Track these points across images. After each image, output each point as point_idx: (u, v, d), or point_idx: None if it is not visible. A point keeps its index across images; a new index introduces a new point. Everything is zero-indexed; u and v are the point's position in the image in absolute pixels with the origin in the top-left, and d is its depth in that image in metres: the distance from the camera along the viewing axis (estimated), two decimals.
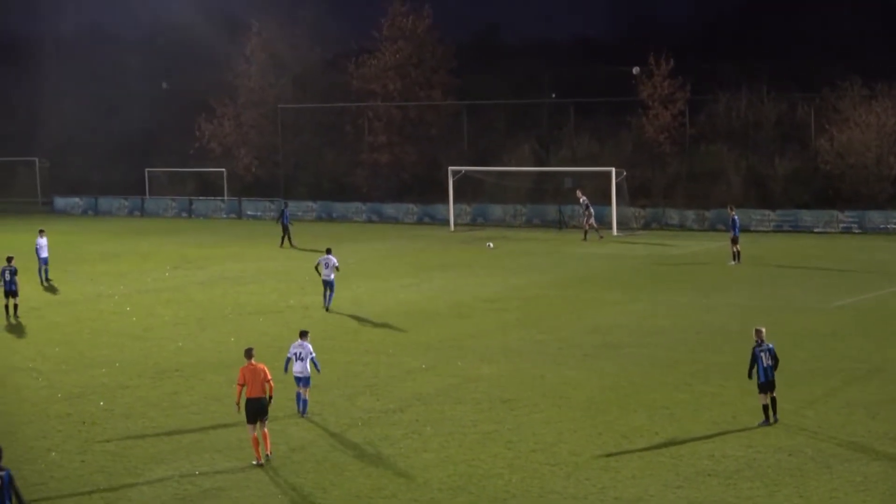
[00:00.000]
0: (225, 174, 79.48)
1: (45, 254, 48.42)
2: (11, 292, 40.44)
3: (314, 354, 27.04)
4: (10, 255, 41.45)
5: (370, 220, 72.41)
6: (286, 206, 64.30)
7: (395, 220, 71.60)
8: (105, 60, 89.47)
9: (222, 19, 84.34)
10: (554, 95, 79.49)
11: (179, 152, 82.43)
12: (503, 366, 32.12)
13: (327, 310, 40.23)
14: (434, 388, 29.78)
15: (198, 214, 77.87)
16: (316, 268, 41.09)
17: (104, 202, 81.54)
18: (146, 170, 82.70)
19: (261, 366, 24.19)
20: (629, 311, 39.88)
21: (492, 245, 57.98)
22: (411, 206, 72.32)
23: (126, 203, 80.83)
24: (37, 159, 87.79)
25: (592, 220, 60.05)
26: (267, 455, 23.92)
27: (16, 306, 40.57)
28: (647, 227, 64.60)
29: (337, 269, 40.71)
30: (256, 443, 23.82)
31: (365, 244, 60.42)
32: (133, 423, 27.13)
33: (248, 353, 24.57)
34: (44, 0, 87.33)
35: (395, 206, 72.78)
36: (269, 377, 24.10)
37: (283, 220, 59.86)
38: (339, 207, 74.13)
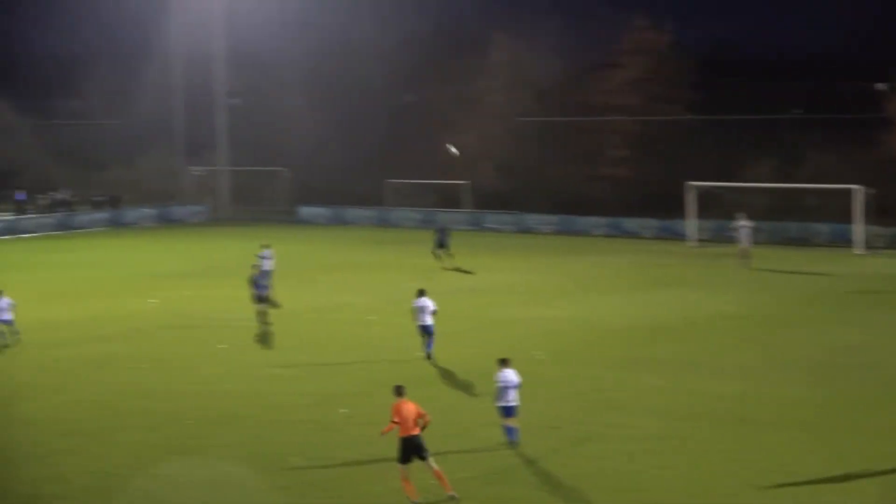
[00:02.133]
0: (466, 186, 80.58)
1: (268, 266, 48.68)
2: (262, 298, 41.96)
3: (519, 381, 26.58)
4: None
5: (609, 235, 72.45)
6: (442, 226, 61.21)
7: (634, 235, 71.48)
8: (348, 74, 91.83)
9: (464, 32, 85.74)
10: (796, 111, 78.14)
11: (420, 164, 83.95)
12: (740, 384, 31.96)
13: (428, 357, 35.78)
14: (669, 405, 29.88)
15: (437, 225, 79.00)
16: (412, 312, 36.56)
17: (347, 212, 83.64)
18: (386, 181, 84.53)
19: (412, 404, 23.43)
20: (869, 331, 39.11)
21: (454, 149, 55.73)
22: (650, 220, 72.13)
23: (368, 213, 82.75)
24: (282, 169, 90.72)
25: (746, 244, 57.27)
26: (453, 496, 22.92)
27: (266, 313, 41.99)
28: (892, 245, 62.89)
29: (434, 313, 36.15)
30: (408, 483, 22.91)
31: (603, 257, 60.58)
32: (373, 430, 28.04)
33: (399, 391, 23.79)
34: (292, 16, 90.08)
35: (634, 221, 72.68)
36: (423, 411, 23.38)
37: (441, 240, 58.56)
38: (579, 221, 74.42)
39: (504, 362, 26.78)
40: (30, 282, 53.94)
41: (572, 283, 51.70)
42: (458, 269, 56.12)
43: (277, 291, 45.94)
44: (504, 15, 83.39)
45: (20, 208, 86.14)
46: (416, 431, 23.08)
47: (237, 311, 43.81)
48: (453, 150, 54.96)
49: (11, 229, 77.73)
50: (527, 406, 27.15)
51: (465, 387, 32.09)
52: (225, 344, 39.03)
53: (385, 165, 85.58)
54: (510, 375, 26.49)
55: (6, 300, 39.57)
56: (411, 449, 22.99)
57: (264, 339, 39.86)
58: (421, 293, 36.57)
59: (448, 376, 33.59)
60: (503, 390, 26.43)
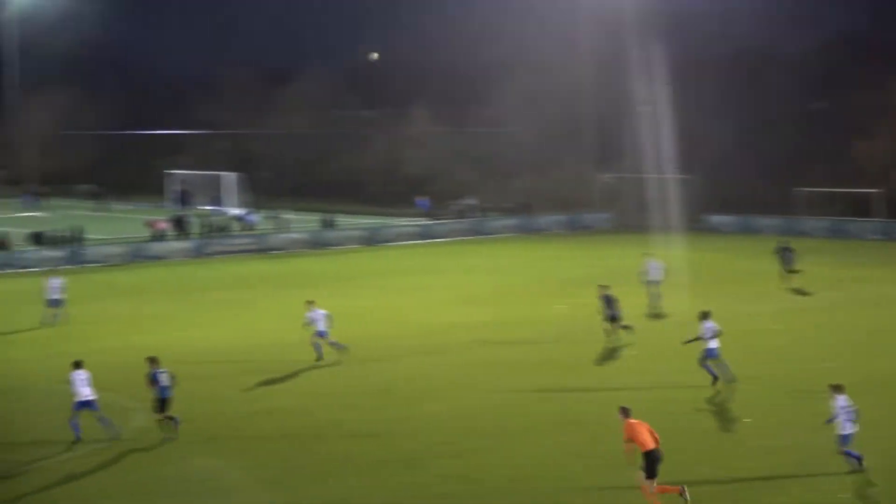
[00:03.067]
0: (880, 195, 78.16)
1: (655, 276, 48.47)
2: (613, 318, 41.22)
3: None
4: (605, 285, 42.31)
5: None
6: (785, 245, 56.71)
7: None
8: (758, 81, 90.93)
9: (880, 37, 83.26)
10: None
11: (829, 172, 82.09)
12: None
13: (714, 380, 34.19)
14: None
15: (847, 235, 77.15)
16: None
17: (754, 221, 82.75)
18: (794, 189, 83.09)
19: (639, 422, 23.80)
20: None
21: None
22: None
23: (775, 222, 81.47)
24: (691, 177, 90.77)
25: None
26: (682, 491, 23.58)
27: (624, 327, 41.23)
28: None
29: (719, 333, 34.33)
30: (655, 497, 23.34)
31: None
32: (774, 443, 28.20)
33: (625, 412, 24.10)
34: (703, 22, 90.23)
35: None
36: (651, 429, 23.73)
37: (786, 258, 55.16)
38: None
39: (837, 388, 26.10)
40: (445, 285, 56.83)
41: None
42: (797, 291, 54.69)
43: (668, 301, 46.48)
44: None
45: (425, 215, 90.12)
46: (658, 444, 23.55)
47: (639, 319, 44.63)
48: None
49: (425, 234, 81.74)
50: None
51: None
52: (635, 350, 39.99)
53: (792, 173, 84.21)
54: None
55: (320, 312, 39.30)
56: (657, 460, 23.45)
57: (665, 346, 40.38)
58: (705, 315, 34.59)
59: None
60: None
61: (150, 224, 77.68)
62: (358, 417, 32.11)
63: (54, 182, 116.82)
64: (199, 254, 72.04)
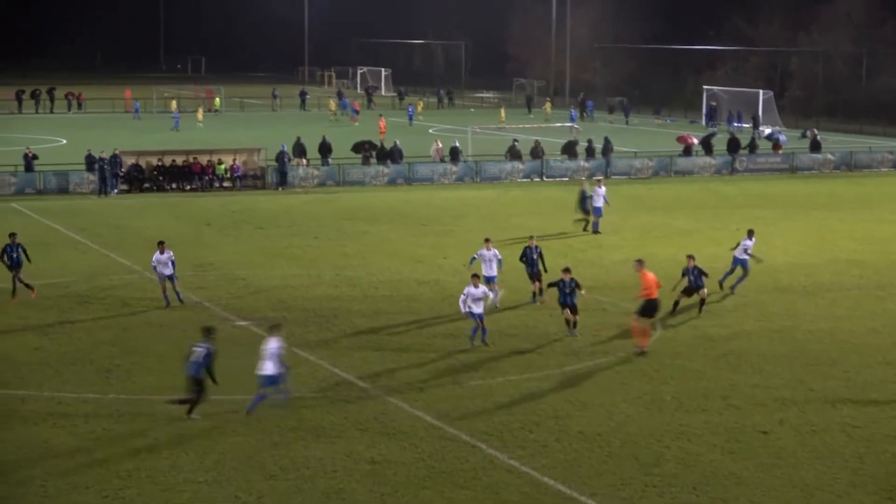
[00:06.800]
0: None
1: None
2: None
3: None
4: None
5: None
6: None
7: None
8: None
9: None
10: None
11: None
12: None
13: None
14: None
15: None
16: None
17: None
18: None
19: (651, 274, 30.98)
20: None
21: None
22: None
23: None
24: None
25: None
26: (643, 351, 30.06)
27: None
28: None
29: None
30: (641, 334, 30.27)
31: None
32: None
33: (641, 263, 31.43)
34: None
35: None
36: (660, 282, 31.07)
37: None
38: None
39: None
40: None
41: None
42: None
43: None
44: None
45: None
46: (655, 295, 30.41)
47: None
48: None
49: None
50: None
51: None
52: None
53: None
54: None
55: None
56: (651, 309, 30.49)
57: None
58: None
59: None
60: None
61: (681, 139, 78.14)
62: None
63: (587, 94, 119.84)
64: (727, 171, 71.98)
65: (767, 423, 25.05)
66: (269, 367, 25.24)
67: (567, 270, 31.96)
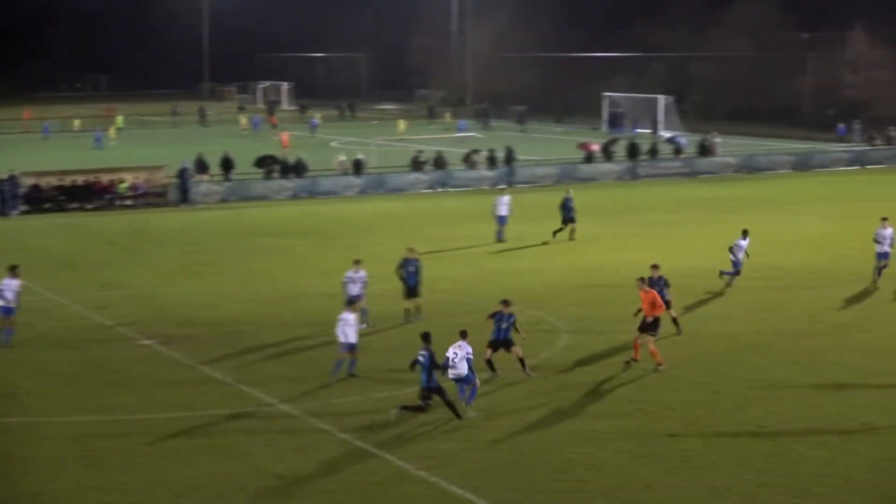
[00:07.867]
0: None
1: None
2: None
3: None
4: None
5: None
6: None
7: None
8: None
9: None
10: None
11: None
12: None
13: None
14: None
15: None
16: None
17: None
18: None
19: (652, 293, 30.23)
20: None
21: None
22: None
23: None
24: None
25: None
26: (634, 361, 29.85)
27: None
28: None
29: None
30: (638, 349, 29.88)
31: None
32: None
33: (644, 282, 30.63)
34: None
35: None
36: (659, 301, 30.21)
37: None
38: None
39: None
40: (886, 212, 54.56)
41: None
42: None
43: None
44: None
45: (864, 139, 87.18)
46: (649, 314, 29.83)
47: None
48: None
49: (858, 160, 79.31)
50: None
51: None
52: None
53: None
54: None
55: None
56: (648, 326, 29.91)
57: None
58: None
59: None
60: None
61: (582, 146, 78.60)
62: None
63: (490, 103, 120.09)
64: (628, 176, 72.59)
65: (675, 427, 25.21)
66: (463, 368, 26.16)
67: (506, 303, 28.93)
